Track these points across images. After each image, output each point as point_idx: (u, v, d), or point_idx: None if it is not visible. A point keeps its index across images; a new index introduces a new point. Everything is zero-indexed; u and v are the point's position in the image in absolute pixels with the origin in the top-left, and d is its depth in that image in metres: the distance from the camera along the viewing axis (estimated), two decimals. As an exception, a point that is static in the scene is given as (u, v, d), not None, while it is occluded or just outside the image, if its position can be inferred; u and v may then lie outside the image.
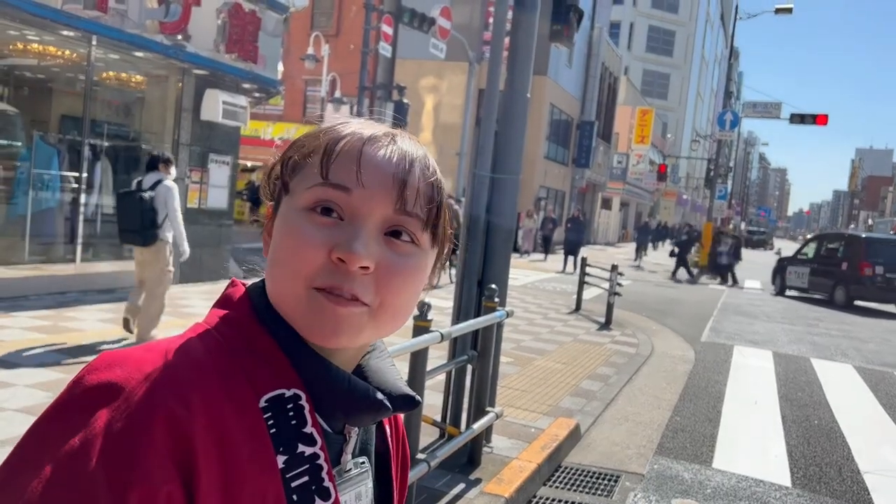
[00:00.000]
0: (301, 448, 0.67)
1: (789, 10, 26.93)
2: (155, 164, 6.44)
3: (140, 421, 0.60)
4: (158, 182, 6.32)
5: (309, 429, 0.68)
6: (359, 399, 0.72)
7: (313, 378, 0.71)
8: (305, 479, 0.67)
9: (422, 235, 0.73)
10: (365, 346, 0.77)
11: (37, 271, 8.89)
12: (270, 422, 0.66)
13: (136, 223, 6.21)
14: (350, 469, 0.76)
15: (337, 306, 0.68)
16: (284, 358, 0.70)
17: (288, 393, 0.68)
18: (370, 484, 0.79)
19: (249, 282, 0.77)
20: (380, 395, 0.74)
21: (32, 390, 4.93)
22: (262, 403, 0.66)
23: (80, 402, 0.62)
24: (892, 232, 49.12)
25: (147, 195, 6.21)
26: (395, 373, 0.79)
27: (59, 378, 5.25)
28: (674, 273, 22.67)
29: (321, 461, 0.68)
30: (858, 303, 17.30)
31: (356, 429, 0.76)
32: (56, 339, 6.39)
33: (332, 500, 0.69)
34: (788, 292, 19.24)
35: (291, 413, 0.68)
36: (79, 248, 9.22)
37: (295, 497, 0.66)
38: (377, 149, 0.71)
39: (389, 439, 0.86)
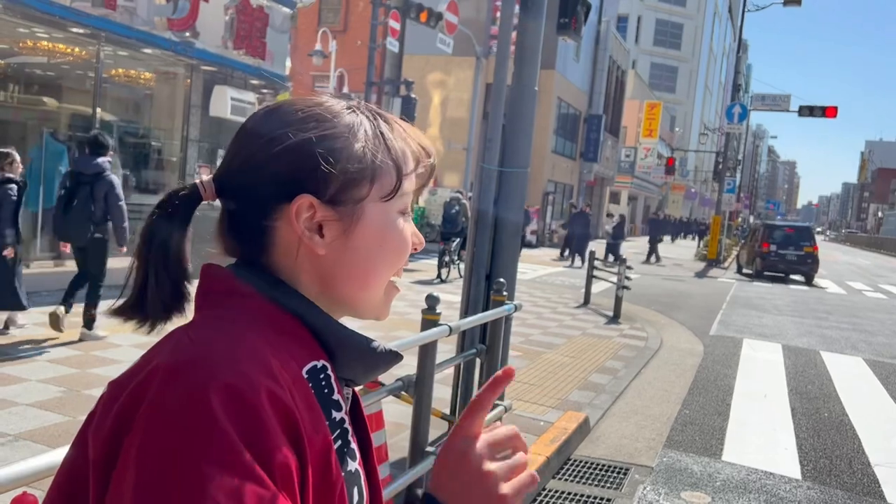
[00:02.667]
0: (334, 414, 0.73)
1: (798, 2, 26.73)
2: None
3: (253, 406, 0.62)
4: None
5: (336, 395, 0.74)
6: (378, 355, 0.79)
7: (341, 344, 0.77)
8: (340, 442, 0.73)
9: None
10: None
11: (48, 267, 8.95)
12: (314, 391, 0.71)
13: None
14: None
15: (396, 292, 0.84)
16: (306, 331, 0.75)
17: (318, 364, 0.73)
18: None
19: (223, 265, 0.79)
20: (390, 346, 0.80)
21: (45, 385, 4.98)
22: (304, 374, 0.71)
23: (192, 409, 0.61)
24: None
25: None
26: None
27: (70, 373, 5.30)
28: (647, 258, 23.75)
29: (347, 424, 0.75)
30: (767, 273, 21.96)
31: (350, 391, 0.81)
32: (68, 334, 6.43)
33: (357, 459, 0.76)
34: (745, 270, 23.56)
35: (324, 382, 0.73)
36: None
37: (338, 460, 0.71)
38: (412, 142, 0.82)
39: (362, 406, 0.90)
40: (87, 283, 6.45)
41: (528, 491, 0.68)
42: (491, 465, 0.69)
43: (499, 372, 0.70)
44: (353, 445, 0.76)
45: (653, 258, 24.28)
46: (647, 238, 27.96)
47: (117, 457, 0.62)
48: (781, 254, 21.59)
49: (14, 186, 6.18)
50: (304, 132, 0.74)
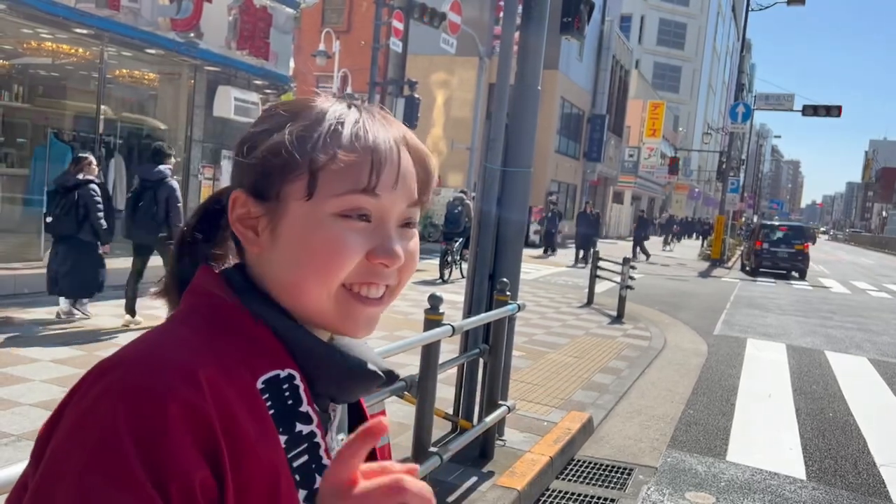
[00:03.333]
0: (299, 427, 0.69)
1: (802, 2, 26.67)
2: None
3: (160, 415, 0.60)
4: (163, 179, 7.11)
5: (305, 407, 0.70)
6: (353, 371, 0.75)
7: (308, 356, 0.73)
8: (305, 457, 0.69)
9: (417, 215, 0.77)
10: None
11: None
12: (269, 402, 0.68)
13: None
14: (335, 447, 0.77)
15: (367, 307, 0.73)
16: (275, 339, 0.72)
17: (283, 373, 0.70)
18: None
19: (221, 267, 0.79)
20: (371, 366, 0.76)
21: (49, 385, 4.99)
22: (259, 385, 0.68)
23: (95, 413, 0.61)
24: None
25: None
26: (370, 349, 0.82)
27: (75, 373, 5.31)
28: (633, 256, 22.96)
29: (318, 439, 0.71)
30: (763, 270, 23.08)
31: (339, 406, 0.79)
32: (71, 335, 6.44)
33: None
34: (748, 267, 24.59)
35: (287, 393, 0.69)
36: (42, 244, 9.21)
37: (298, 477, 0.68)
38: (406, 153, 0.75)
39: (369, 418, 0.87)
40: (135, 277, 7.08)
41: None
42: None
43: (369, 424, 0.59)
44: (327, 461, 0.70)
45: (640, 256, 24.31)
46: (651, 238, 28.15)
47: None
48: (774, 251, 22.85)
49: (96, 187, 6.86)
50: (252, 129, 0.75)
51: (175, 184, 7.07)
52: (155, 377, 0.62)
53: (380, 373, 0.77)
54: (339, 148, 0.70)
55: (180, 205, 7.03)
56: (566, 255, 23.01)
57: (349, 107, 0.74)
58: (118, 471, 0.58)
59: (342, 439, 0.79)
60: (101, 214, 6.80)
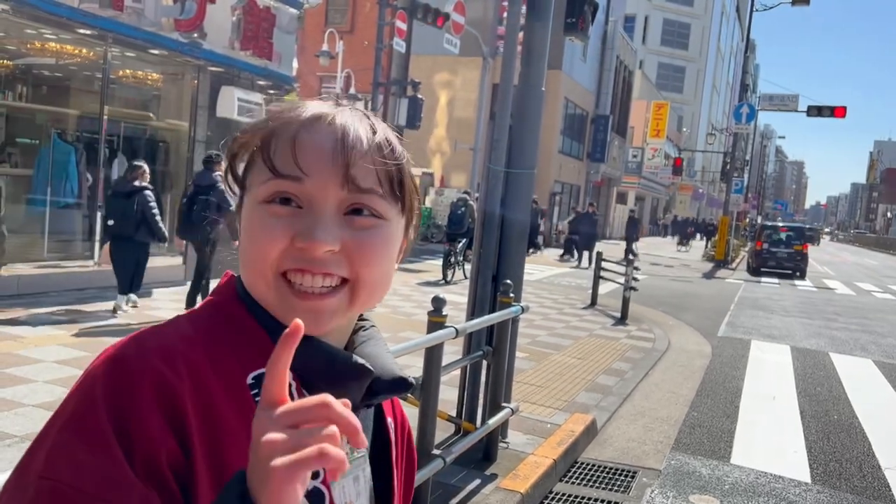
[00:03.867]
0: None
1: (806, 2, 26.61)
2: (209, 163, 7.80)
3: (133, 383, 0.64)
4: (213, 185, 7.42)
5: None
6: (340, 366, 0.73)
7: (295, 354, 0.70)
8: None
9: (383, 207, 0.73)
10: (348, 322, 0.79)
11: (56, 268, 8.97)
12: (258, 398, 0.65)
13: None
14: (346, 449, 0.75)
15: (304, 301, 0.71)
16: (267, 337, 0.72)
17: None
18: (368, 471, 0.79)
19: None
20: (360, 360, 0.74)
21: (51, 386, 4.98)
22: (249, 380, 0.69)
23: (82, 384, 0.66)
24: None
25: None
26: (391, 357, 0.81)
27: (77, 374, 5.29)
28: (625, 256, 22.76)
29: None
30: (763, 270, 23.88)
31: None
32: (75, 335, 6.45)
33: (320, 478, 0.69)
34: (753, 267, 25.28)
35: None
36: (97, 245, 9.30)
37: None
38: (314, 132, 0.71)
39: (392, 433, 0.85)
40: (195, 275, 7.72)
41: (317, 467, 0.53)
42: (271, 435, 0.55)
43: (288, 329, 0.57)
44: None
45: (630, 255, 24.14)
46: (654, 239, 28.15)
47: None
48: (773, 251, 23.86)
49: (150, 193, 7.43)
50: None
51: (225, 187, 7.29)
52: (136, 353, 0.66)
53: (368, 366, 0.74)
54: (254, 133, 0.74)
55: (231, 208, 7.22)
56: (558, 254, 22.95)
57: (331, 104, 0.76)
58: (90, 430, 0.62)
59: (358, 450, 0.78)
60: (158, 218, 7.44)
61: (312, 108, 0.74)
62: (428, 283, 12.58)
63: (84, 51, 9.56)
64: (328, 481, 0.70)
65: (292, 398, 0.67)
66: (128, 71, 10.40)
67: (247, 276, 0.74)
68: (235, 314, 0.74)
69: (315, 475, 0.70)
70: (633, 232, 24.58)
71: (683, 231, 38.95)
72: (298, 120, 0.72)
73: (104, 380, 0.65)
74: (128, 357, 0.66)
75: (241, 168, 0.76)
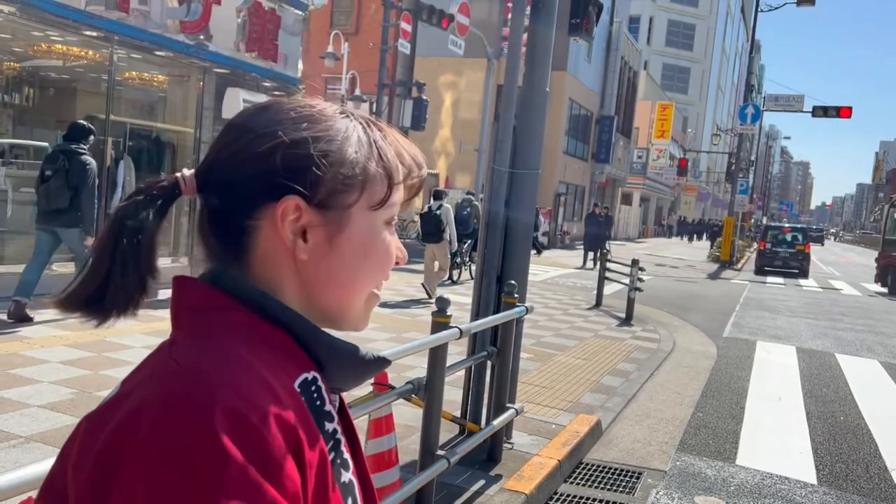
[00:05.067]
0: (327, 426, 0.72)
1: (812, 2, 26.55)
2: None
3: (262, 427, 0.60)
4: (440, 206, 11.20)
5: (328, 406, 0.73)
6: (367, 363, 0.79)
7: (332, 354, 0.75)
8: (333, 454, 0.72)
9: None
10: None
11: (62, 269, 9.00)
12: (306, 405, 0.69)
13: (433, 229, 11.07)
14: None
15: (376, 305, 0.81)
16: (293, 343, 0.73)
17: (308, 376, 0.71)
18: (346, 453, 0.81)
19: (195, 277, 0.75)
20: (376, 354, 0.80)
21: (57, 387, 5.00)
22: (297, 389, 0.69)
23: (188, 450, 0.57)
24: None
25: (437, 213, 11.16)
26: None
27: (82, 374, 5.32)
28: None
29: (339, 435, 0.74)
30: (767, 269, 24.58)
31: (337, 397, 0.79)
32: (80, 335, 6.47)
33: (351, 470, 0.75)
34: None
35: (315, 394, 0.71)
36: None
37: (333, 473, 0.70)
38: (396, 154, 0.80)
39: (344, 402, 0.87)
40: None
41: None
42: None
43: None
44: (347, 455, 0.75)
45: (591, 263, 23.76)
46: (659, 239, 28.11)
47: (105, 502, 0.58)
48: (776, 251, 24.74)
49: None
50: (297, 132, 0.71)
51: None
52: (240, 394, 0.61)
53: (387, 359, 0.81)
54: (413, 168, 0.79)
55: None
56: (565, 255, 22.92)
57: (349, 117, 0.77)
58: (250, 488, 0.57)
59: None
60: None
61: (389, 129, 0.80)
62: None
63: (90, 53, 9.60)
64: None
65: (323, 397, 0.72)
66: (133, 73, 10.44)
67: (360, 288, 0.77)
68: (254, 324, 0.70)
69: (347, 468, 0.74)
70: (602, 230, 21.11)
71: (692, 231, 39.75)
72: (413, 147, 0.81)
73: (232, 435, 0.58)
74: (240, 404, 0.60)
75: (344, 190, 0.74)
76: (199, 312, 0.71)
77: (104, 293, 0.71)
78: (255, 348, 0.68)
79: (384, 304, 9.80)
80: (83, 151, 6.72)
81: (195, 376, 0.62)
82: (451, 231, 11.31)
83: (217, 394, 0.60)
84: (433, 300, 9.99)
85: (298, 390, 0.69)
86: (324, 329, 0.76)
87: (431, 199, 11.63)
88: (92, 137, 6.98)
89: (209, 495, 0.56)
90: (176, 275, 0.74)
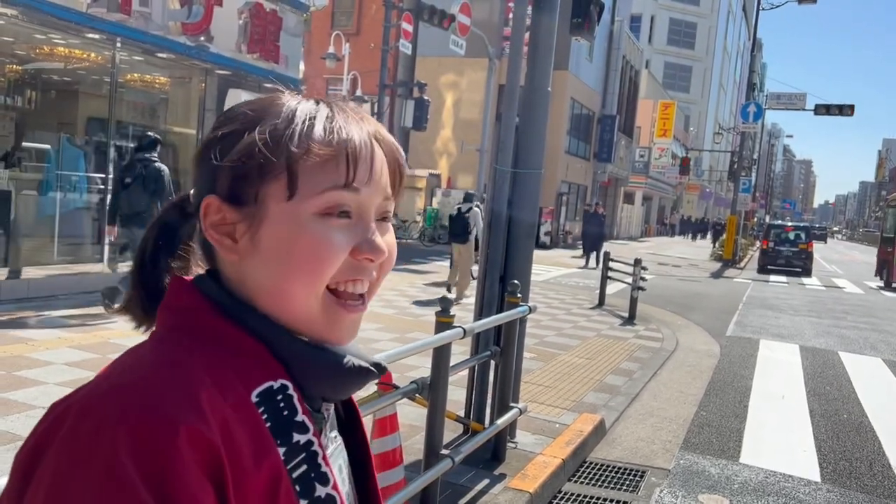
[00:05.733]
0: (296, 437, 0.68)
1: (813, 0, 26.51)
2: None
3: (167, 447, 0.58)
4: (470, 209, 11.54)
5: (300, 416, 0.69)
6: (346, 372, 0.73)
7: (300, 361, 0.71)
8: (304, 467, 0.67)
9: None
10: None
11: (65, 271, 9.02)
12: (265, 415, 0.66)
13: (461, 230, 11.42)
14: (329, 445, 0.76)
15: (350, 313, 0.72)
16: (263, 349, 0.70)
17: (276, 384, 0.68)
18: (345, 455, 0.80)
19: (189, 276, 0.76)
20: (362, 363, 0.75)
21: (62, 388, 5.01)
22: (254, 398, 0.66)
23: (95, 448, 0.57)
24: None
25: (467, 215, 11.50)
26: (355, 345, 0.79)
27: (88, 376, 5.30)
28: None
29: (315, 447, 0.69)
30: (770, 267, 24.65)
31: (331, 405, 0.77)
32: (85, 337, 6.49)
33: (330, 483, 0.69)
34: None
35: (282, 404, 0.68)
36: (106, 248, 9.35)
37: (298, 487, 0.66)
38: (379, 147, 0.73)
39: (356, 406, 0.85)
40: None
41: None
42: None
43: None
44: (326, 469, 0.69)
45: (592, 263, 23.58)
46: (662, 239, 28.09)
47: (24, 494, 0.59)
48: (779, 250, 24.80)
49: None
50: (213, 130, 0.72)
51: None
52: (156, 404, 0.60)
53: (372, 368, 0.75)
54: (314, 144, 0.68)
55: None
56: (568, 254, 22.89)
57: (317, 103, 0.72)
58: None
59: (335, 436, 0.79)
60: None
61: (357, 119, 0.73)
62: (435, 284, 12.59)
63: (92, 55, 9.62)
64: None
65: (294, 407, 0.68)
66: (136, 75, 10.46)
67: (292, 290, 0.69)
68: (219, 327, 0.69)
69: (325, 481, 0.69)
70: (598, 229, 21.02)
71: (696, 230, 40.13)
72: (361, 131, 0.72)
73: (131, 444, 0.57)
74: (150, 412, 0.59)
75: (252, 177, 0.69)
76: (175, 311, 0.71)
77: (132, 303, 0.77)
78: (213, 354, 0.67)
79: (388, 305, 9.82)
80: (156, 160, 7.38)
81: (122, 383, 0.63)
82: (478, 233, 11.43)
83: (131, 405, 0.59)
84: (459, 301, 10.32)
85: (257, 400, 0.66)
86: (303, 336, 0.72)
87: (462, 200, 11.98)
88: (160, 147, 7.62)
89: (87, 497, 0.56)
90: (174, 275, 0.76)
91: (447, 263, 14.14)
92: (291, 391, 0.69)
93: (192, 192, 0.75)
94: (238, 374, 0.66)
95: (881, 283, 22.11)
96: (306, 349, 0.71)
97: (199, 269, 0.77)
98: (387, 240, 0.73)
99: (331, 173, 0.68)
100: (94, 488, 0.56)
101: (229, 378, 0.65)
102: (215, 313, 0.70)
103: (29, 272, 8.48)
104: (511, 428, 4.68)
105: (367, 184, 0.70)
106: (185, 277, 0.74)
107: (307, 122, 0.69)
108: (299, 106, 0.70)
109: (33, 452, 0.61)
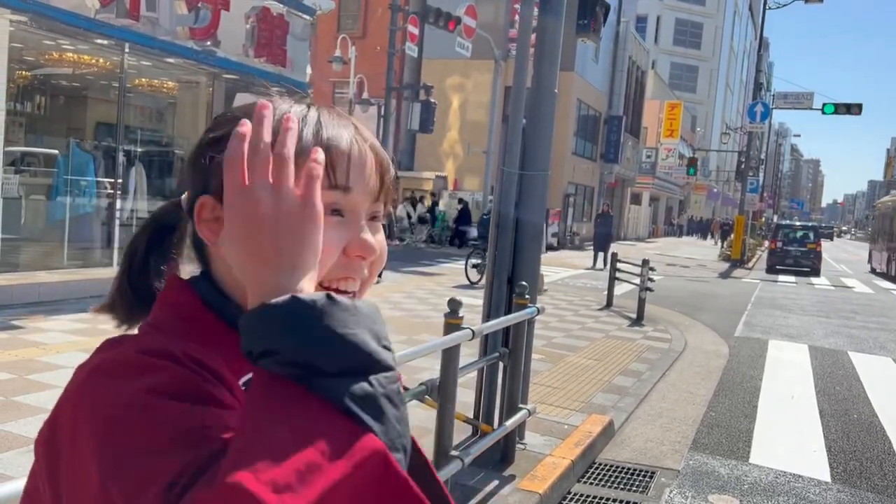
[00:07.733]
0: None
1: (820, -1, 26.43)
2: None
3: (172, 366, 0.63)
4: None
5: None
6: None
7: None
8: None
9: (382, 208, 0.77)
10: None
11: (75, 276, 9.07)
12: None
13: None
14: None
15: None
16: None
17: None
18: None
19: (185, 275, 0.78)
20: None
21: (74, 392, 5.05)
22: (241, 385, 0.69)
23: (117, 395, 0.63)
24: None
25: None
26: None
27: (99, 379, 5.37)
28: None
29: None
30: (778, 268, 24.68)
31: None
32: (95, 342, 6.52)
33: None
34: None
35: None
36: (115, 253, 9.40)
37: None
38: (367, 149, 0.74)
39: None
40: None
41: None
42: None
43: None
44: None
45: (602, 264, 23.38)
46: (669, 239, 28.05)
47: (57, 454, 0.65)
48: (788, 250, 24.94)
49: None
50: (205, 133, 0.75)
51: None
52: (156, 341, 0.66)
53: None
54: (306, 146, 0.68)
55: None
56: (575, 256, 22.88)
57: (308, 106, 0.73)
58: (185, 384, 0.62)
59: None
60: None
61: (340, 120, 0.74)
62: (444, 286, 12.60)
63: (101, 60, 9.69)
64: None
65: None
66: (144, 79, 10.52)
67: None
68: (209, 323, 0.72)
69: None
70: (605, 230, 20.38)
71: (704, 229, 40.92)
72: (349, 133, 0.73)
73: (154, 355, 0.63)
74: (155, 345, 0.65)
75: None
76: (169, 307, 0.74)
77: (115, 304, 0.81)
78: (202, 344, 0.69)
79: (396, 308, 9.83)
80: None
81: (124, 344, 0.69)
82: None
83: (138, 345, 0.66)
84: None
85: (244, 388, 0.68)
86: None
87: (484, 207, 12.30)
88: None
89: (149, 392, 0.61)
90: (170, 273, 0.79)
91: (455, 265, 14.15)
92: None
93: (184, 195, 0.77)
94: (227, 360, 0.68)
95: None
96: None
97: (187, 272, 0.79)
98: (377, 239, 0.75)
99: (323, 174, 0.70)
100: (139, 381, 0.62)
101: (218, 362, 0.67)
102: (205, 310, 0.73)
103: (40, 276, 8.53)
104: (520, 429, 4.69)
105: (358, 184, 0.72)
106: (180, 277, 0.77)
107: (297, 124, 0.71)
108: (290, 109, 0.72)
109: (52, 419, 0.69)
